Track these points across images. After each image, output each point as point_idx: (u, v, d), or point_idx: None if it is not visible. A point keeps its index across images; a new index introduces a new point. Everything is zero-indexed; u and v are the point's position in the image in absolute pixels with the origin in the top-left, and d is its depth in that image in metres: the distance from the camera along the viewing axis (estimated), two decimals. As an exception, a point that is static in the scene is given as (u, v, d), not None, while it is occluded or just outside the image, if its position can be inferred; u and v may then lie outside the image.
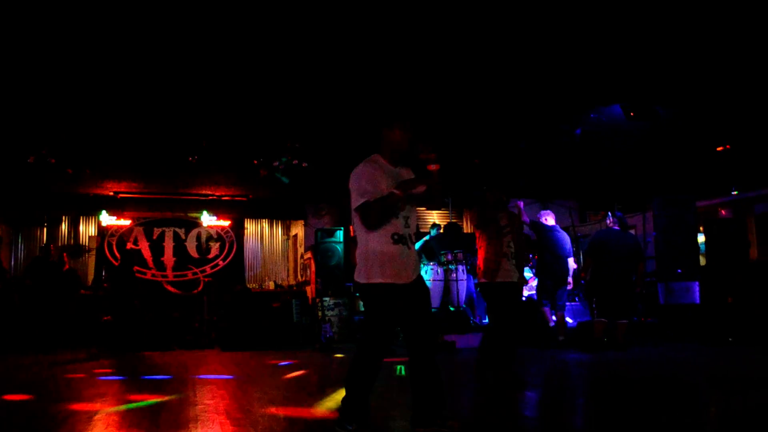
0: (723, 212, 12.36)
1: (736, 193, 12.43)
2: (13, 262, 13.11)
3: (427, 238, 10.73)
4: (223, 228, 13.59)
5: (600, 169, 11.81)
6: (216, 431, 3.87)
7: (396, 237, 3.53)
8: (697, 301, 9.94)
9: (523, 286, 6.03)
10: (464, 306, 10.18)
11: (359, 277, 3.58)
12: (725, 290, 9.65)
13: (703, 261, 10.73)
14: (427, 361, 3.55)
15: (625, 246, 8.29)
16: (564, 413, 4.69)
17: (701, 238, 10.90)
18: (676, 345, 8.92)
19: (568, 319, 9.92)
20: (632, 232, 11.72)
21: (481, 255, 5.79)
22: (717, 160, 10.73)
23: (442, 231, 11.56)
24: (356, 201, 3.53)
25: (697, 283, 10.04)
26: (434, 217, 14.27)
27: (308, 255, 13.29)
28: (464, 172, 11.15)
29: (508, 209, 5.94)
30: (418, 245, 10.72)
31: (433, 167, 3.60)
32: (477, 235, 5.90)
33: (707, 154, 10.52)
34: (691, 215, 10.56)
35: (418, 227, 3.71)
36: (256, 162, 10.64)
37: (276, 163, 10.62)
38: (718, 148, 10.27)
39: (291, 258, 15.28)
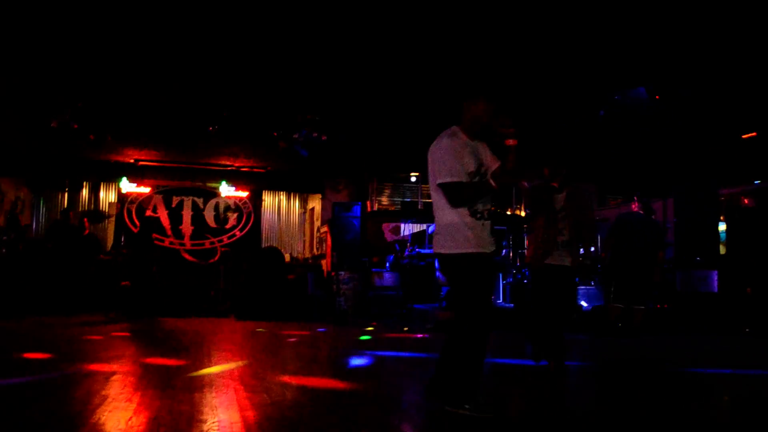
0: (746, 201, 12.17)
1: (759, 182, 12.22)
2: (34, 226, 13.28)
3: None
4: (240, 199, 13.66)
5: (622, 153, 11.67)
6: (230, 396, 3.92)
7: (473, 211, 3.55)
8: (715, 290, 9.82)
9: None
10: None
11: (442, 248, 3.59)
12: (745, 280, 9.51)
13: (723, 250, 10.59)
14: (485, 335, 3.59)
15: (648, 232, 8.18)
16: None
17: (722, 227, 10.75)
18: (691, 334, 8.86)
19: (583, 303, 9.88)
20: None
21: (531, 237, 5.38)
22: (742, 148, 10.55)
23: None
24: (442, 177, 3.52)
25: (716, 272, 9.91)
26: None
27: (324, 229, 13.34)
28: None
29: (572, 186, 5.32)
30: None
31: (511, 142, 3.54)
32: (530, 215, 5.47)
33: (732, 141, 10.34)
34: (713, 203, 10.39)
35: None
36: (275, 134, 10.64)
37: (295, 136, 10.61)
38: (744, 136, 10.09)
39: (307, 231, 15.33)
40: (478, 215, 3.56)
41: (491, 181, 3.49)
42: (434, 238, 3.70)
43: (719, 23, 6.55)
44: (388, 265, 11.76)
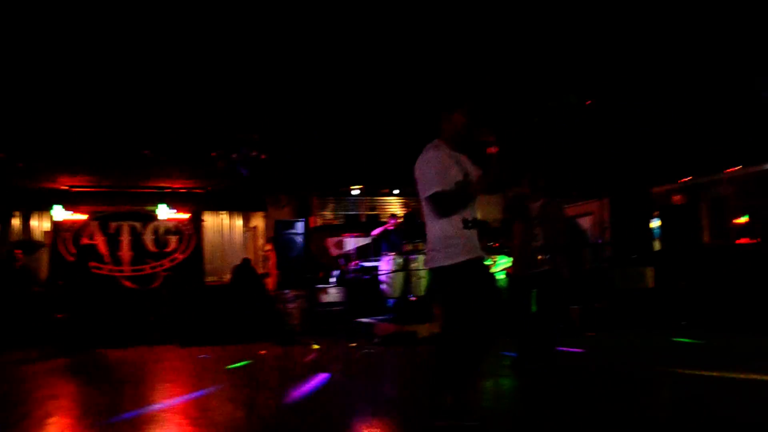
0: (676, 198, 12.65)
1: (689, 178, 12.72)
2: (-38, 260, 12.68)
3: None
4: (181, 221, 13.38)
5: (555, 155, 11.94)
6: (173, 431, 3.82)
7: (464, 222, 3.58)
8: (651, 285, 10.17)
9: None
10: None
11: (438, 261, 3.57)
12: (678, 275, 9.88)
13: (657, 246, 10.98)
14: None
15: (570, 232, 8.44)
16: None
17: (655, 224, 11.15)
18: (630, 330, 9.12)
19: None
20: (587, 219, 11.95)
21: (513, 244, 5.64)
22: (670, 146, 10.95)
23: (401, 220, 11.58)
24: (429, 189, 3.54)
25: (651, 267, 10.27)
26: (395, 208, 14.30)
27: (268, 246, 13.19)
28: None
29: (548, 198, 5.64)
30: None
31: (492, 150, 3.62)
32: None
33: (661, 140, 10.72)
34: (646, 201, 10.78)
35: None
36: (213, 154, 10.48)
37: (234, 155, 10.48)
38: (672, 135, 10.47)
39: (251, 250, 15.12)
40: (470, 224, 3.59)
41: (475, 188, 3.57)
42: (427, 255, 3.68)
43: (649, 25, 6.78)
44: (333, 280, 11.71)
